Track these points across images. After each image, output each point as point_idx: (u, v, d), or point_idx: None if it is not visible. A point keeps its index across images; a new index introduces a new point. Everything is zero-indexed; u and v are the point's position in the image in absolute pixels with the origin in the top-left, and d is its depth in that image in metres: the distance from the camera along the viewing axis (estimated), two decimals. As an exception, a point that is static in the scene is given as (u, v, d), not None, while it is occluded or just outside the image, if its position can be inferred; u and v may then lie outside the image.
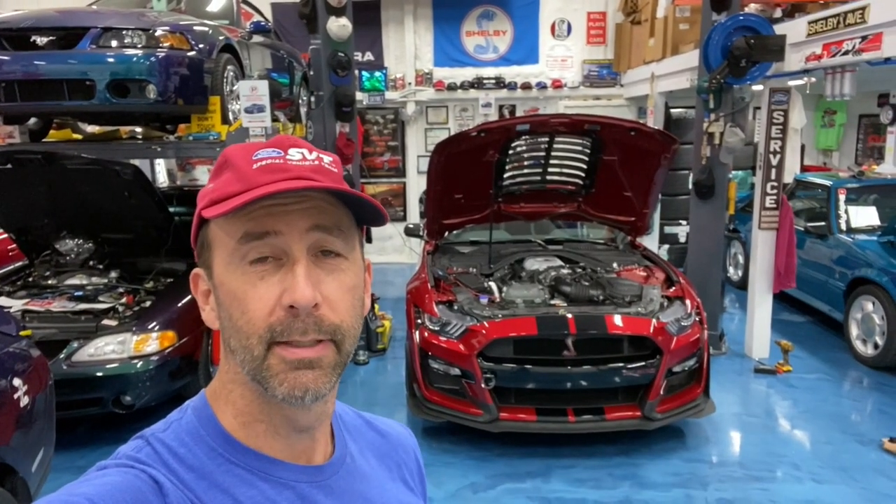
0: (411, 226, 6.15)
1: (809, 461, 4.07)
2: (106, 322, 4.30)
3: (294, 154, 0.72)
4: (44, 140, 5.38)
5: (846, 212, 6.27)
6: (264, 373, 0.69)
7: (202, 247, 0.75)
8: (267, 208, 0.69)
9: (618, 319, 4.07)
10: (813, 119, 9.71)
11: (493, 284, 4.58)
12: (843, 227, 6.18)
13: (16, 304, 4.42)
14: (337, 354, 0.71)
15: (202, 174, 9.68)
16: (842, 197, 6.34)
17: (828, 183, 6.59)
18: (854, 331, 5.74)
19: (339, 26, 5.53)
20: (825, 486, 3.78)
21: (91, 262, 5.01)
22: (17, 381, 2.76)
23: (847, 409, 4.84)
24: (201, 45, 4.49)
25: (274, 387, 0.69)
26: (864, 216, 6.27)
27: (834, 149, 9.82)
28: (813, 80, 5.22)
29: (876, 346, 5.48)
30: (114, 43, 4.21)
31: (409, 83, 9.60)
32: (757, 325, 5.78)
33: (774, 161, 5.49)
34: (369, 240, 7.34)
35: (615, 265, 4.97)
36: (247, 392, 0.73)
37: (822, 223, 6.36)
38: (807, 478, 3.87)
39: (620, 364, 4.03)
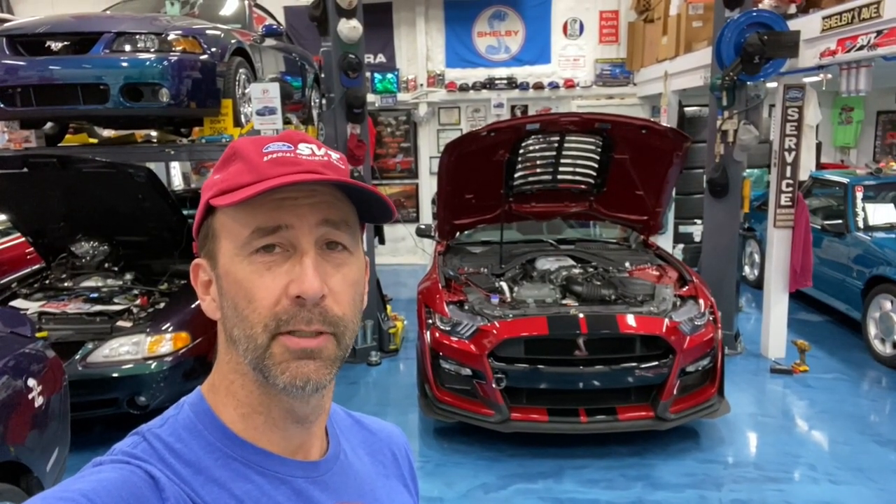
0: (423, 226, 6.14)
1: (826, 462, 4.01)
2: (120, 323, 4.34)
3: (304, 149, 0.73)
4: (59, 144, 5.45)
5: (864, 209, 6.18)
6: (267, 361, 0.69)
7: (206, 237, 0.75)
8: (277, 201, 0.69)
9: (630, 319, 4.04)
10: (830, 116, 9.59)
11: (504, 284, 4.57)
12: (861, 224, 6.10)
13: (32, 306, 4.49)
14: (336, 348, 0.72)
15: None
16: (859, 194, 6.26)
17: (844, 180, 6.51)
18: (872, 330, 5.66)
19: (350, 28, 5.55)
20: (842, 487, 3.73)
21: (106, 265, 5.06)
22: (31, 382, 2.80)
23: (865, 409, 4.78)
24: (214, 49, 4.52)
25: (276, 375, 0.69)
26: (882, 214, 6.18)
27: (852, 146, 9.68)
28: (828, 76, 5.17)
29: (894, 345, 5.41)
30: (127, 47, 4.24)
31: (421, 84, 9.61)
32: (773, 325, 5.72)
33: (789, 158, 5.44)
34: (382, 241, 7.34)
35: (627, 264, 4.94)
36: (247, 382, 0.73)
37: (839, 221, 6.28)
38: (823, 479, 3.82)
39: (633, 364, 4.00)
